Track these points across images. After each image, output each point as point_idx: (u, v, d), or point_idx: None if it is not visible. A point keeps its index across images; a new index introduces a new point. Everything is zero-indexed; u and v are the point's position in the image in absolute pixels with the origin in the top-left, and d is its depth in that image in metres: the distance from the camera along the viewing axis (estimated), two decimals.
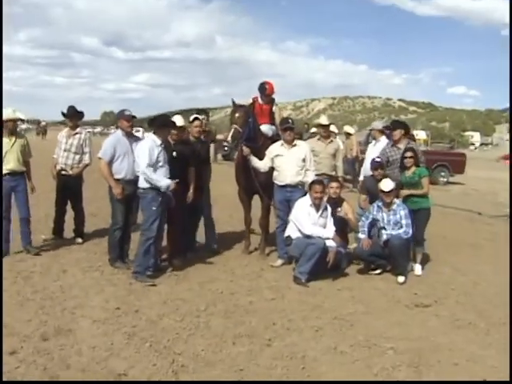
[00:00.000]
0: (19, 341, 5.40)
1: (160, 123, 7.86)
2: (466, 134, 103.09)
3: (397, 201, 8.44)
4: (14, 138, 8.58)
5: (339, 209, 8.74)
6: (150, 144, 7.60)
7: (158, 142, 7.65)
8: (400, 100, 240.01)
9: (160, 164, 7.63)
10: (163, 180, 7.59)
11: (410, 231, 8.27)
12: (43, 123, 68.91)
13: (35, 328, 5.73)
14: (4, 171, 8.44)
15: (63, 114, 9.78)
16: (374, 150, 9.81)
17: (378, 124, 10.83)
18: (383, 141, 10.00)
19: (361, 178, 10.21)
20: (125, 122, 8.20)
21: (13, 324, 5.82)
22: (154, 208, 7.61)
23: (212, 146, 9.89)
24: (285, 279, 8.03)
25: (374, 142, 10.55)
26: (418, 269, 8.64)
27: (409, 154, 8.70)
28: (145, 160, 7.51)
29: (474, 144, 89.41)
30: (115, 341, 5.51)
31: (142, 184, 7.67)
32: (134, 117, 8.33)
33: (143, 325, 5.99)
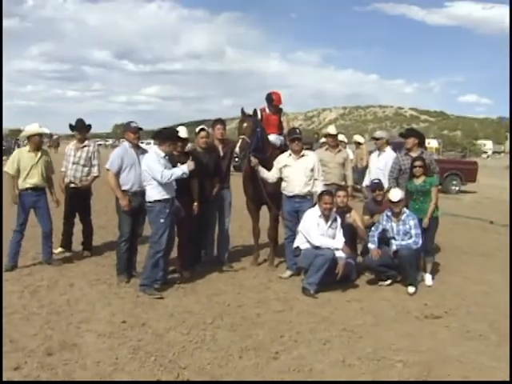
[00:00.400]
0: (23, 356, 5.37)
1: (164, 136, 7.83)
2: (479, 142, 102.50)
3: (406, 211, 8.36)
4: (39, 154, 8.71)
5: (348, 215, 8.68)
6: (154, 157, 7.59)
7: (161, 154, 7.62)
8: (412, 109, 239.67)
9: None
10: (178, 169, 7.65)
11: (420, 241, 8.18)
12: (55, 136, 69.22)
13: (40, 343, 5.70)
14: (27, 185, 8.55)
15: (71, 127, 9.79)
16: (380, 161, 9.79)
17: (382, 133, 10.76)
18: (388, 151, 9.97)
19: (363, 184, 10.10)
20: (131, 134, 8.18)
21: (18, 339, 5.80)
22: (161, 220, 7.57)
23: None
24: (293, 291, 7.96)
25: (377, 152, 10.56)
26: (428, 279, 8.54)
27: (418, 162, 8.66)
28: (157, 167, 7.52)
29: (486, 152, 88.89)
30: (120, 355, 5.46)
31: (149, 197, 7.64)
32: (140, 129, 8.31)
33: (149, 338, 5.94)
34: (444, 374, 5.30)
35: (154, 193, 7.59)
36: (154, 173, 7.49)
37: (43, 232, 8.91)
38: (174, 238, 8.24)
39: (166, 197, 7.61)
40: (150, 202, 7.64)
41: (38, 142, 8.73)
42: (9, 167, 8.65)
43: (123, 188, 8.02)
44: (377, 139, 10.49)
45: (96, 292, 7.62)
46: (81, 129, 9.77)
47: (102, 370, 5.11)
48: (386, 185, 9.15)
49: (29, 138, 8.83)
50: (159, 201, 7.57)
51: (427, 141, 32.29)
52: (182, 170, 7.63)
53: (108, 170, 8.07)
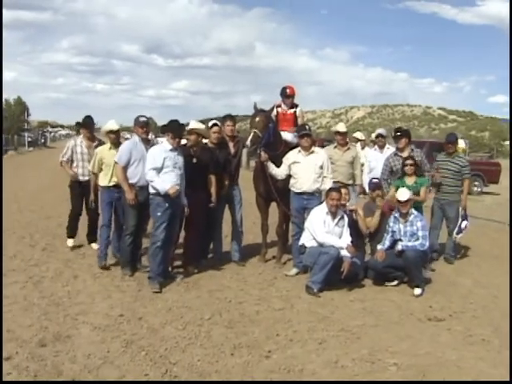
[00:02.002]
0: (16, 346, 5.39)
1: (166, 128, 7.82)
2: (506, 143, 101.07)
3: (414, 212, 8.26)
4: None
5: (348, 203, 8.68)
6: (158, 149, 7.59)
7: (169, 147, 7.59)
8: (440, 108, 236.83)
9: (169, 169, 7.61)
10: (161, 184, 7.56)
11: (427, 243, 8.10)
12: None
13: (34, 333, 5.72)
14: (111, 183, 8.52)
15: (79, 124, 9.79)
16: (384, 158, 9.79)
17: (385, 131, 10.89)
18: (391, 150, 10.01)
19: (364, 183, 10.00)
20: (139, 128, 8.17)
21: (14, 329, 5.84)
22: (159, 214, 7.60)
23: (244, 152, 9.69)
24: (297, 289, 7.89)
25: (376, 148, 10.65)
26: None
27: (409, 161, 8.86)
28: (148, 164, 7.60)
29: None
30: (112, 348, 5.44)
31: (150, 190, 7.66)
32: (147, 123, 8.30)
33: (143, 333, 5.92)
34: (439, 378, 5.17)
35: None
36: (146, 165, 7.63)
37: (117, 226, 8.86)
38: (176, 232, 8.20)
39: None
40: (151, 194, 7.68)
41: (112, 140, 8.69)
42: (92, 166, 8.77)
43: (130, 181, 8.02)
44: (383, 137, 10.51)
45: (98, 285, 7.64)
46: (90, 126, 9.78)
47: (91, 363, 5.09)
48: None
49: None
50: (158, 194, 7.57)
51: None
52: (163, 187, 7.54)
53: (116, 163, 8.07)
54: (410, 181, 8.85)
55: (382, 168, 9.46)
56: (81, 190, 9.64)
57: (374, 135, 11.89)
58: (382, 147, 10.55)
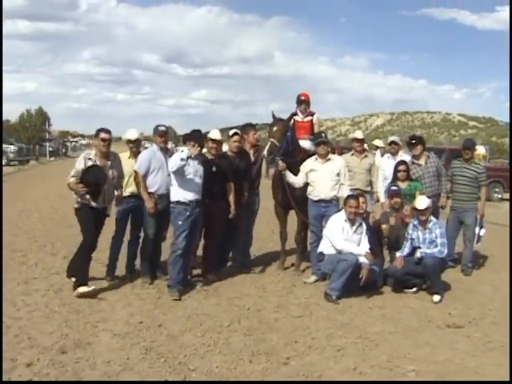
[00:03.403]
0: (37, 353, 5.45)
1: (188, 137, 7.92)
2: None
3: (433, 219, 8.27)
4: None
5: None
6: (176, 155, 7.72)
7: (185, 153, 7.62)
8: (460, 115, 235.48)
9: (189, 177, 7.71)
10: (177, 156, 7.70)
11: (446, 251, 8.09)
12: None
13: (55, 341, 5.78)
14: (126, 193, 8.32)
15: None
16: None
17: (396, 138, 11.00)
18: (405, 156, 10.01)
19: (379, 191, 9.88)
20: (158, 137, 8.23)
21: (35, 336, 5.90)
22: (179, 222, 7.65)
23: (264, 160, 9.72)
24: (316, 296, 7.89)
25: (389, 155, 10.68)
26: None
27: (402, 167, 9.09)
28: (170, 162, 7.81)
29: None
30: (131, 355, 5.49)
31: (172, 197, 7.76)
32: (166, 132, 8.38)
33: (163, 340, 5.96)
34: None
35: (175, 193, 7.72)
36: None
37: (132, 238, 8.67)
38: (196, 240, 8.27)
39: (189, 199, 7.67)
40: (171, 203, 7.76)
41: (130, 148, 8.57)
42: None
43: (150, 190, 8.07)
44: (396, 144, 10.53)
45: (118, 292, 7.69)
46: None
47: (111, 370, 5.14)
48: None
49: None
50: (180, 202, 7.64)
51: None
52: (181, 156, 7.59)
53: (135, 172, 8.15)
54: (403, 185, 9.03)
55: (393, 176, 9.47)
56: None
57: (387, 142, 11.92)
58: (394, 154, 10.51)
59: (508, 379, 5.01)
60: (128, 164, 8.40)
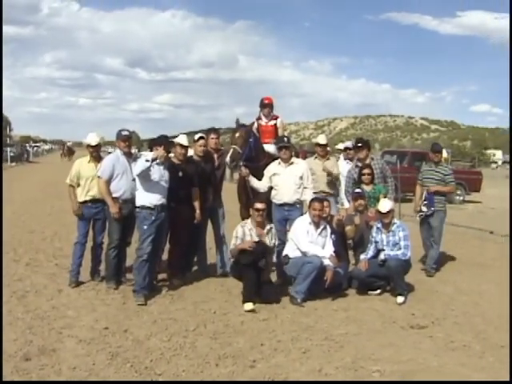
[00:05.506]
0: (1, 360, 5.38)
1: (153, 142, 7.91)
2: (488, 152, 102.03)
3: (397, 222, 8.40)
4: (99, 165, 8.32)
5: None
6: (140, 159, 7.67)
7: (148, 157, 7.57)
8: (422, 118, 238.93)
9: (154, 181, 7.69)
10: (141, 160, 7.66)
11: (409, 253, 8.20)
12: (69, 143, 69.47)
13: (19, 348, 5.72)
14: (87, 197, 8.31)
15: None
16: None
17: (349, 144, 11.56)
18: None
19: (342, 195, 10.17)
20: (121, 142, 8.20)
21: None
22: (145, 227, 7.63)
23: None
24: (281, 299, 7.93)
25: (347, 160, 11.09)
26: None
27: (367, 171, 9.20)
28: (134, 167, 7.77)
29: (496, 162, 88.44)
30: (97, 361, 5.46)
31: (137, 202, 7.72)
32: (129, 137, 8.36)
33: (129, 345, 5.94)
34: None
35: (141, 198, 7.70)
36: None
37: (94, 244, 8.62)
38: (161, 245, 8.26)
39: (154, 203, 7.66)
40: (137, 208, 7.75)
41: (90, 153, 8.49)
42: (69, 178, 8.44)
43: (114, 195, 8.03)
44: (351, 149, 11.03)
45: (83, 298, 7.64)
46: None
47: (77, 376, 5.11)
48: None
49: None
50: (145, 207, 7.63)
51: None
52: (146, 157, 7.57)
53: (99, 177, 8.09)
54: (367, 188, 9.19)
55: (346, 180, 9.77)
56: None
57: (342, 146, 12.22)
58: (351, 159, 10.79)
59: (508, 379, 5.11)
60: (88, 168, 8.34)
